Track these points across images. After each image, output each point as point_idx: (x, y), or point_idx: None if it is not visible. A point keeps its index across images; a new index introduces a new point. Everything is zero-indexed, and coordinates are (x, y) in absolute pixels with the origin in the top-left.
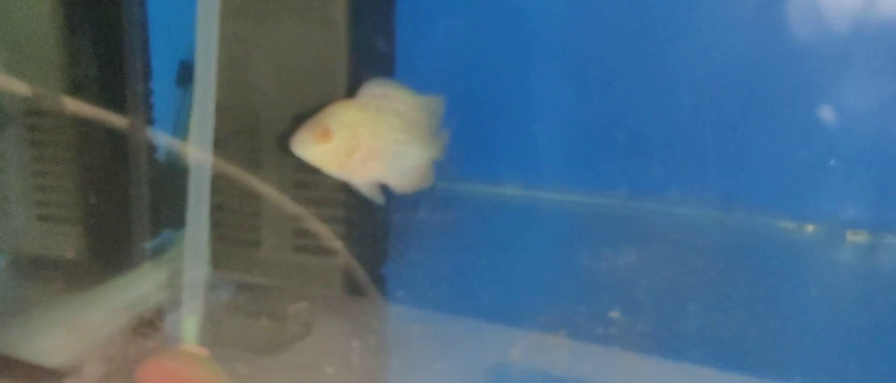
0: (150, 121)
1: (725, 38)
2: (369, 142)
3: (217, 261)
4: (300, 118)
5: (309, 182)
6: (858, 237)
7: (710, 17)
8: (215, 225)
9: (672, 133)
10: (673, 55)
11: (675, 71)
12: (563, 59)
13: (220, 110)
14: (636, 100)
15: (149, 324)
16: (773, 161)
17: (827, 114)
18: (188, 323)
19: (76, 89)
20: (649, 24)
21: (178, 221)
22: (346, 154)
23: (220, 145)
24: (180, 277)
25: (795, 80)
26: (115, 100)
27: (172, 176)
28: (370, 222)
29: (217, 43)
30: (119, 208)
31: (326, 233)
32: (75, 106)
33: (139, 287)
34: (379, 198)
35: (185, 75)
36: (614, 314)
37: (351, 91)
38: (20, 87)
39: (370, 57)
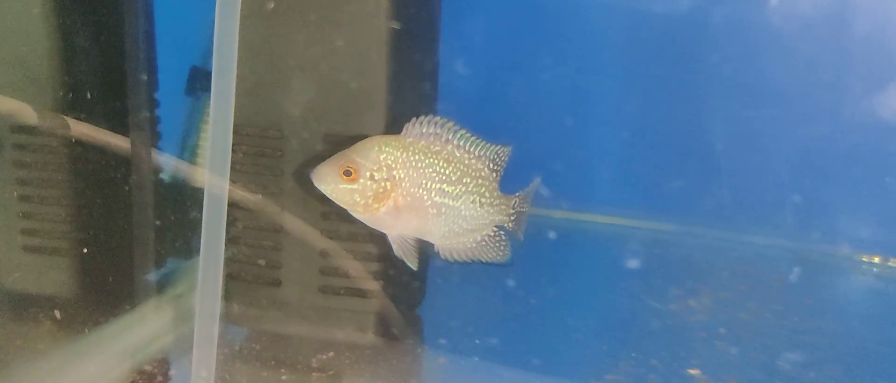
0: (155, 137)
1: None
2: (408, 189)
3: (230, 302)
4: (334, 141)
5: (338, 213)
6: None
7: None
8: (228, 260)
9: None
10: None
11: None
12: (623, 79)
13: (237, 128)
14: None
15: (150, 378)
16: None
17: None
18: None
19: (69, 102)
20: (716, 45)
21: (183, 250)
22: (374, 198)
23: (236, 168)
24: (189, 320)
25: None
26: (114, 114)
27: (178, 199)
28: None
29: (237, 51)
30: (118, 237)
31: (358, 271)
32: (68, 121)
33: (140, 330)
34: (413, 262)
35: (197, 83)
36: (694, 372)
37: (393, 108)
38: (4, 102)
39: (414, 76)
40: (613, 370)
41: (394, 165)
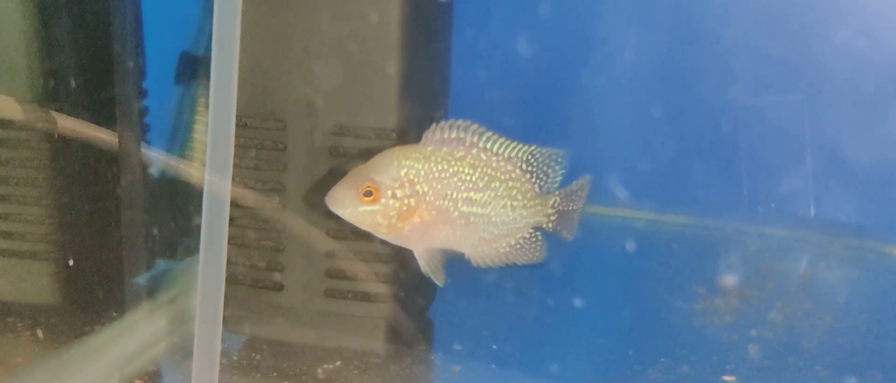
0: (143, 130)
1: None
2: (433, 202)
3: (227, 307)
4: (342, 133)
5: None
6: None
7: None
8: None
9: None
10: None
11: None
12: (643, 66)
13: (237, 119)
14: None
15: None
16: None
17: None
18: None
19: (49, 93)
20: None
21: (175, 251)
22: (398, 217)
23: (234, 162)
24: (182, 327)
25: None
26: (99, 105)
27: (170, 196)
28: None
29: (238, 34)
30: (103, 238)
31: (366, 274)
32: (48, 114)
33: (129, 340)
34: (440, 279)
35: (187, 70)
36: (729, 379)
37: (407, 98)
38: None
39: (428, 65)
40: (641, 377)
41: (416, 180)
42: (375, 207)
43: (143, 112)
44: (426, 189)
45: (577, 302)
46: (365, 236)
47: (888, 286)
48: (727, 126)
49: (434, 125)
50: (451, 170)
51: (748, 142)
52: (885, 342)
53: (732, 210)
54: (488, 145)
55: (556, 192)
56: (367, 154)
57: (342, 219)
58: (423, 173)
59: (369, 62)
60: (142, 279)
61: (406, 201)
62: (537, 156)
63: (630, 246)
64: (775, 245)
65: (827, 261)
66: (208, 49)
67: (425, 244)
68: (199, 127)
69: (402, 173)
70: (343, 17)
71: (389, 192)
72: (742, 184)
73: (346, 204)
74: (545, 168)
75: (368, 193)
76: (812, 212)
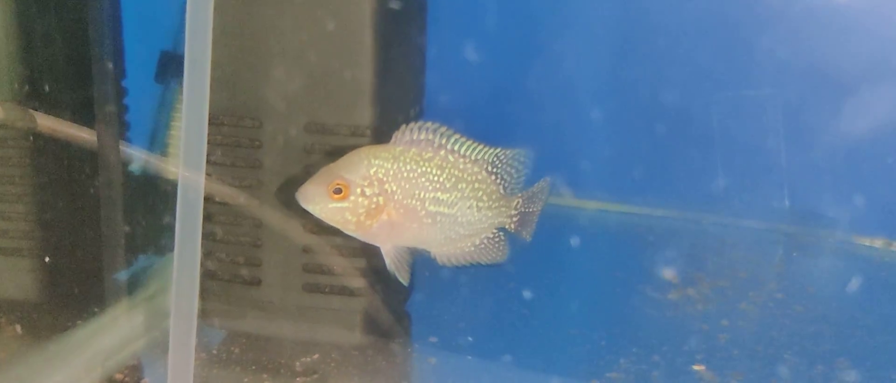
0: (123, 128)
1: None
2: (401, 201)
3: (206, 302)
4: (316, 130)
5: None
6: None
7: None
8: (204, 257)
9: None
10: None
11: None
12: (609, 65)
13: (212, 117)
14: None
15: None
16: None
17: None
18: None
19: (28, 91)
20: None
21: (154, 248)
22: (366, 214)
23: (211, 160)
24: (162, 322)
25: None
26: (78, 104)
27: (149, 194)
28: None
29: (211, 33)
30: (84, 235)
31: (343, 268)
32: (27, 113)
33: (110, 335)
34: (405, 277)
35: (167, 69)
36: (699, 368)
37: (380, 96)
38: None
39: (403, 62)
40: (614, 367)
41: (385, 178)
42: (344, 204)
43: (123, 110)
44: (395, 188)
45: (551, 295)
46: (341, 232)
47: (857, 277)
48: (705, 122)
49: (404, 126)
50: (419, 170)
51: (724, 137)
52: (853, 330)
53: (708, 203)
54: (456, 147)
55: (520, 194)
56: (341, 151)
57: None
58: (392, 172)
59: (343, 61)
60: (122, 275)
61: (375, 199)
62: (502, 158)
63: (605, 238)
64: (749, 237)
65: (799, 252)
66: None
67: (392, 242)
68: (178, 125)
69: (372, 172)
70: (317, 17)
71: (358, 190)
72: (717, 178)
73: (316, 200)
74: (510, 169)
75: (338, 190)
76: (786, 204)
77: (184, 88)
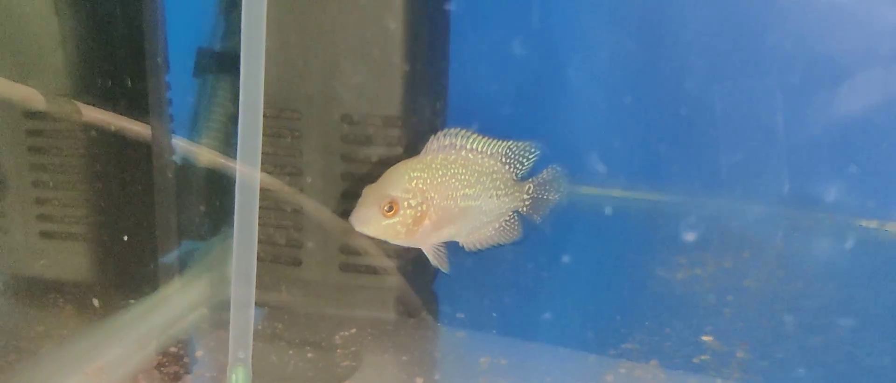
0: (170, 120)
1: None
2: (439, 204)
3: None
4: (351, 121)
5: (356, 193)
6: None
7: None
8: None
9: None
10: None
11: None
12: (612, 51)
13: None
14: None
15: (176, 360)
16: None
17: None
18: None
19: (82, 86)
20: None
21: (200, 232)
22: (413, 223)
23: None
24: (209, 301)
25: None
26: (128, 97)
27: (194, 181)
28: None
29: (265, 30)
30: (135, 220)
31: (375, 250)
32: (82, 106)
33: (163, 313)
34: (444, 267)
35: (204, 65)
36: (707, 338)
37: (410, 88)
38: (17, 88)
39: (430, 55)
40: (629, 338)
41: (424, 187)
42: (396, 219)
43: (169, 103)
44: (433, 194)
45: (568, 276)
46: None
47: (855, 255)
48: (709, 111)
49: (431, 137)
50: (449, 173)
51: (726, 124)
52: (850, 302)
53: (713, 188)
54: (473, 145)
55: (530, 180)
56: (374, 140)
57: (353, 201)
58: (428, 181)
59: (377, 58)
60: (172, 257)
61: (419, 208)
62: (513, 149)
63: (619, 222)
64: (752, 220)
65: (799, 233)
66: (224, 44)
67: (432, 241)
68: (214, 117)
69: (413, 184)
70: (354, 18)
71: (405, 204)
72: (721, 164)
73: (372, 222)
74: (521, 158)
75: (390, 209)
76: (787, 188)
77: (240, 86)
